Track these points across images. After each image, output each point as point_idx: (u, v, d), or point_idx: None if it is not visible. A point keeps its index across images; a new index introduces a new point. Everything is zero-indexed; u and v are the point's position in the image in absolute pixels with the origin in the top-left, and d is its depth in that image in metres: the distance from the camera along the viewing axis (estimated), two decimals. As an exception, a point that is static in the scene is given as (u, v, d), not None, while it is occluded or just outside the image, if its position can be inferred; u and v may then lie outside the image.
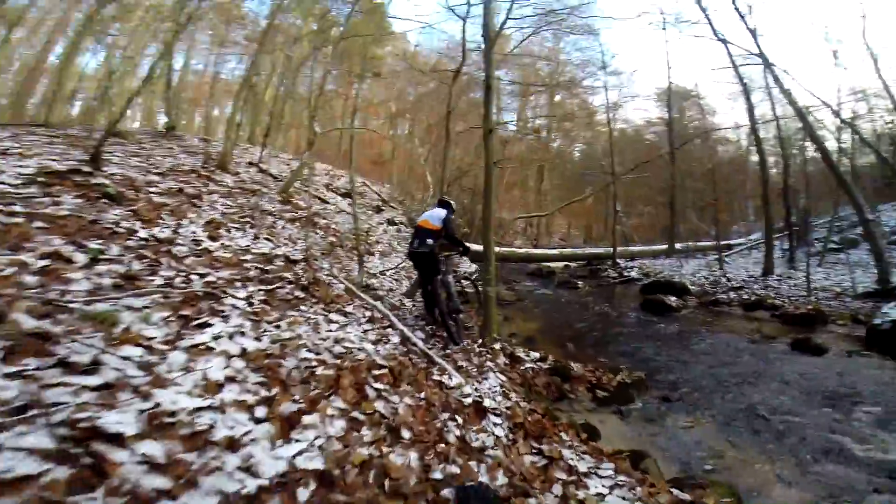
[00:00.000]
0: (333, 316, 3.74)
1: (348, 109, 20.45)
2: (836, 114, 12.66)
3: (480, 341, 4.51)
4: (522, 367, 4.20)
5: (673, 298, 8.94)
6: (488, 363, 3.98)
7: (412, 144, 19.15)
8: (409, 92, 20.09)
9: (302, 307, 3.61)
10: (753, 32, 11.68)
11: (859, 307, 8.11)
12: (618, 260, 15.28)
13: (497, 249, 13.20)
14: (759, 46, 11.62)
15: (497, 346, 4.48)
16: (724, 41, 13.32)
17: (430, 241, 4.43)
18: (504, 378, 3.74)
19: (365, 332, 3.68)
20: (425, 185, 14.47)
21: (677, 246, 17.30)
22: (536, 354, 4.52)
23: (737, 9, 11.88)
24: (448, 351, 4.03)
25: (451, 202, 5.08)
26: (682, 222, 19.31)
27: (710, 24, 13.45)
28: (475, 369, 3.74)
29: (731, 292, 10.11)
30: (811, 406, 3.93)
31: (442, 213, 4.67)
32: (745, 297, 9.61)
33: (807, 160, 15.76)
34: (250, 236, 5.03)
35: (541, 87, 18.92)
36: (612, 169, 15.63)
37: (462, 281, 6.14)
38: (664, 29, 18.00)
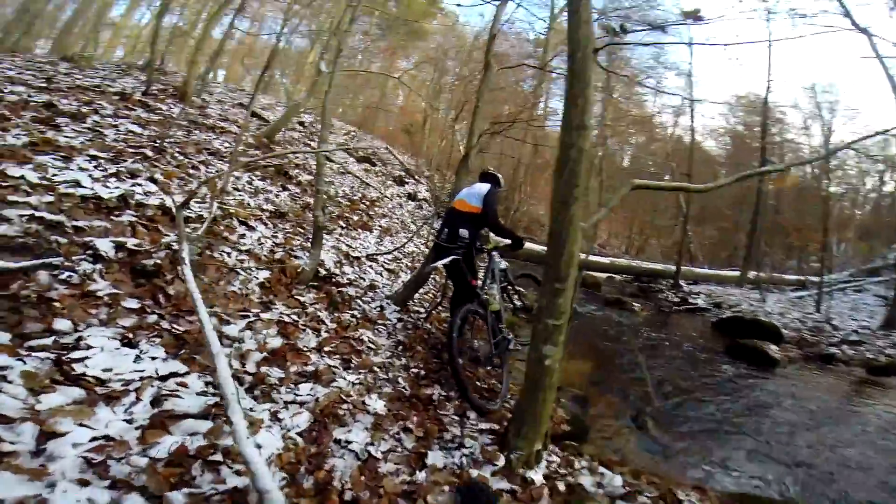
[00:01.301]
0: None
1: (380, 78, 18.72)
2: None
3: (510, 454, 2.19)
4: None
5: (774, 347, 6.43)
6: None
7: (446, 119, 16.99)
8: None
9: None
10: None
11: None
12: (681, 282, 12.61)
13: (531, 247, 10.85)
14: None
15: (541, 468, 2.18)
16: (865, 31, 10.12)
17: (464, 230, 3.21)
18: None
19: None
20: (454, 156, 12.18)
21: (750, 274, 14.37)
22: (617, 480, 2.19)
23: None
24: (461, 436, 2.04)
25: (498, 175, 3.64)
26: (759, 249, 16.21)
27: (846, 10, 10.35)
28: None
29: (843, 346, 7.45)
30: None
31: (484, 188, 3.35)
32: (870, 355, 6.96)
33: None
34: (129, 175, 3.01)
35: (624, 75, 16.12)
36: (690, 171, 12.85)
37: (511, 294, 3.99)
38: (767, 21, 14.62)
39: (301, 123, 10.31)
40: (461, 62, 18.17)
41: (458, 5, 8.52)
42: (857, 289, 14.23)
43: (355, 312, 3.45)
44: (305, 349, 2.60)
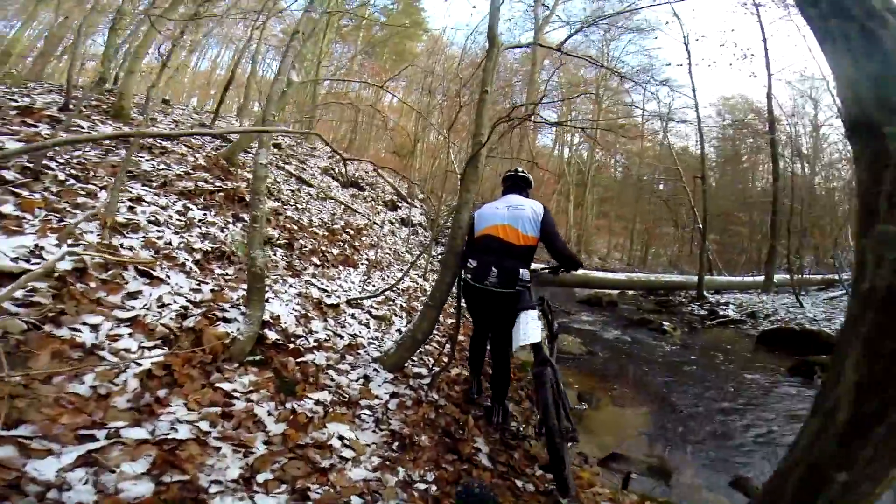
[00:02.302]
0: None
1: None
2: None
3: None
4: None
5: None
6: None
7: (438, 140, 16.16)
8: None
9: None
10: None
11: None
12: (705, 292, 11.48)
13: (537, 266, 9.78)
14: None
15: None
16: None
17: (523, 270, 2.34)
18: None
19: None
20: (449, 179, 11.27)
21: (777, 278, 13.25)
22: None
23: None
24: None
25: (529, 176, 2.73)
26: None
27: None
28: None
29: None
30: None
31: (531, 206, 2.46)
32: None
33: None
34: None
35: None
36: (704, 173, 11.86)
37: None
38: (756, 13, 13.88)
39: (277, 146, 9.32)
40: (449, 81, 17.58)
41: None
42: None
43: (324, 394, 2.28)
44: (215, 490, 1.44)
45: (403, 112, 17.86)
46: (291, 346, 2.48)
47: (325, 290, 3.61)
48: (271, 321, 2.52)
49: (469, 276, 2.48)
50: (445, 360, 3.03)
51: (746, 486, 2.53)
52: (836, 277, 13.37)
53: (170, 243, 2.71)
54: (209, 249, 2.99)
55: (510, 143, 12.43)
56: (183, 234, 2.97)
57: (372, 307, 3.79)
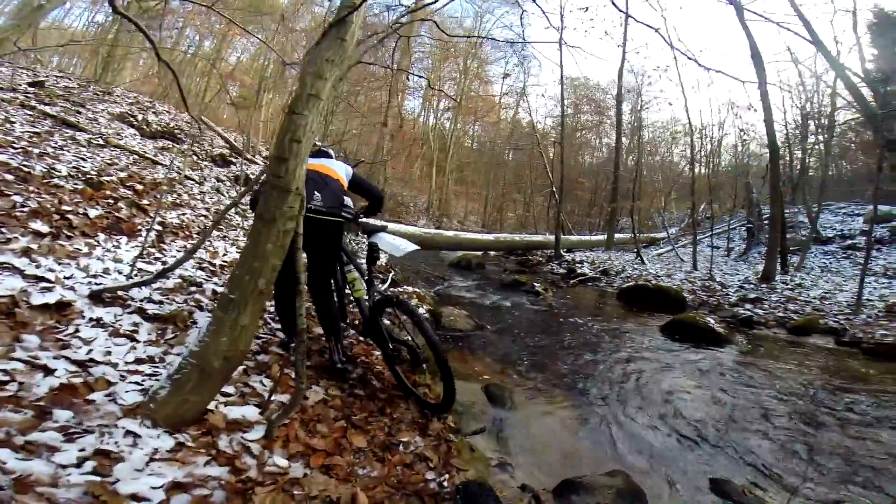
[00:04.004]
0: None
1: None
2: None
3: None
4: None
5: (710, 320, 5.50)
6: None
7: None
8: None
9: None
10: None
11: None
12: (562, 251, 11.96)
13: (410, 230, 8.74)
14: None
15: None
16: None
17: (346, 198, 2.41)
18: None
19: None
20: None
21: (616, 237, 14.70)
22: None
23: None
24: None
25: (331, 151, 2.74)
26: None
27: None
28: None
29: (746, 305, 7.11)
30: None
31: (342, 166, 2.55)
32: (779, 314, 6.63)
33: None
34: None
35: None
36: (563, 139, 12.12)
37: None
38: None
39: (38, 84, 6.34)
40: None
41: None
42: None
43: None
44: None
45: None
46: None
47: (41, 278, 1.92)
48: None
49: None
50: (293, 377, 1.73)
51: (727, 488, 1.92)
52: (664, 236, 15.48)
53: None
54: None
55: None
56: None
57: (150, 300, 2.21)
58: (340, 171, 2.47)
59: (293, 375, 1.81)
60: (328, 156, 2.65)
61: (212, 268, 3.16)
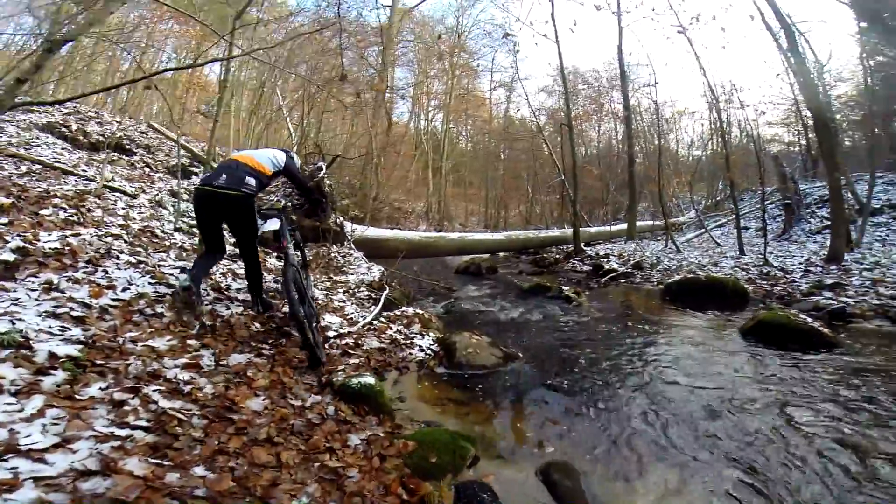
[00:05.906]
0: None
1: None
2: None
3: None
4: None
5: (806, 318, 4.20)
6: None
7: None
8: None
9: None
10: None
11: None
12: (582, 245, 10.65)
13: (408, 236, 7.48)
14: None
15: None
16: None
17: (251, 179, 2.69)
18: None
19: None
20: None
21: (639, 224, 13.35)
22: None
23: None
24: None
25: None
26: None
27: None
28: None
29: (824, 293, 5.79)
30: None
31: (280, 154, 3.03)
32: (877, 303, 5.28)
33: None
34: None
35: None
36: (569, 122, 10.83)
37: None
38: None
39: None
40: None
41: None
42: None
43: None
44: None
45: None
46: None
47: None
48: None
49: (199, 182, 2.80)
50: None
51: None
52: (685, 220, 14.15)
53: None
54: None
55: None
56: None
57: None
58: (265, 161, 2.85)
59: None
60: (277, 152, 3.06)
61: (83, 314, 1.93)
